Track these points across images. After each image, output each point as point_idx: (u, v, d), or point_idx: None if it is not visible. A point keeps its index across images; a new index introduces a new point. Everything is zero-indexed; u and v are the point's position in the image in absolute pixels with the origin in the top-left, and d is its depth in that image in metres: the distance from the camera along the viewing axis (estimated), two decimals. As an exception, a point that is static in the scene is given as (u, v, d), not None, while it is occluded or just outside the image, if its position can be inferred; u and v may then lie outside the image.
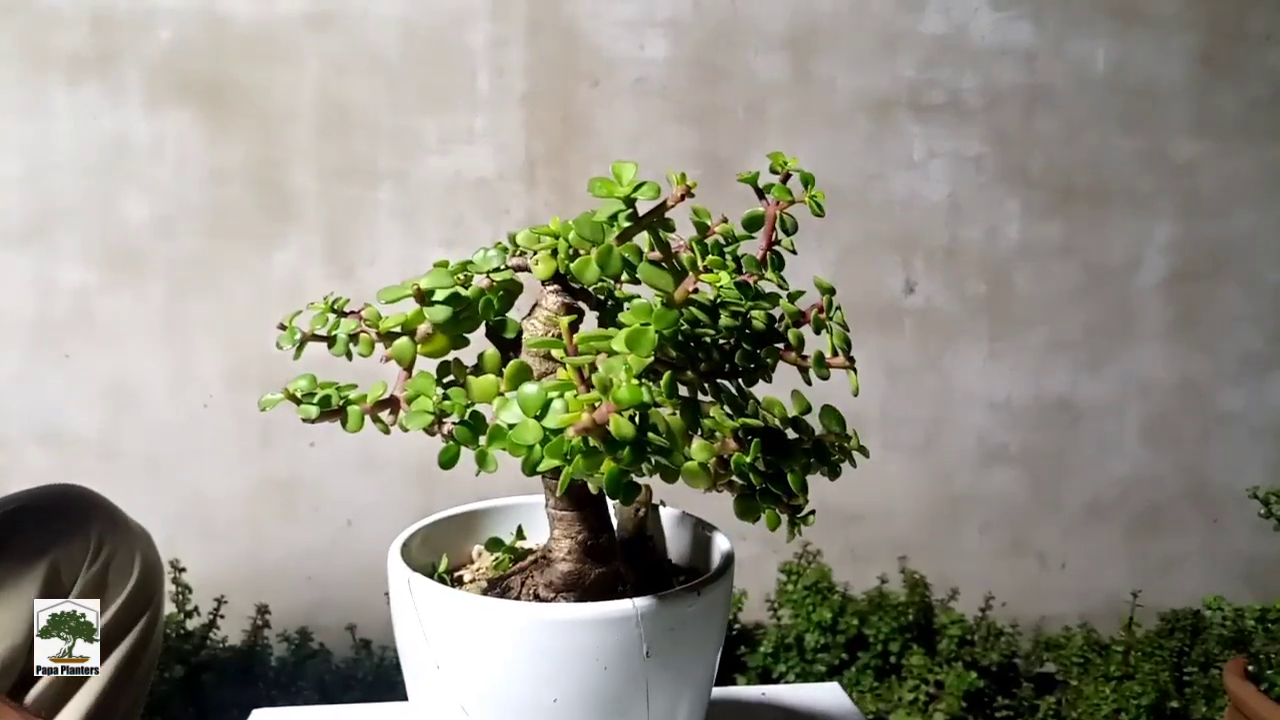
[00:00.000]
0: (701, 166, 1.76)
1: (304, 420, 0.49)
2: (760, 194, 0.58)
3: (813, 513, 0.52)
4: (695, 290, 0.50)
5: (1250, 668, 1.25)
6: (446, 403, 0.52)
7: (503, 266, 0.56)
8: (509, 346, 0.57)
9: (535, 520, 0.69)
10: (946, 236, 1.89)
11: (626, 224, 0.51)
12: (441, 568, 0.64)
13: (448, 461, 0.51)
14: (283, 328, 0.55)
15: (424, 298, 0.53)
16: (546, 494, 0.57)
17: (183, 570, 1.54)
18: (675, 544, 0.69)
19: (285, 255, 1.72)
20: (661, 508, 0.68)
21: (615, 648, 0.53)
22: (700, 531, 0.67)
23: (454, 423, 0.51)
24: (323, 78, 1.69)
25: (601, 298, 0.58)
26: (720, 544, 0.65)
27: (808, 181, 0.58)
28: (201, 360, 1.72)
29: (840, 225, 1.84)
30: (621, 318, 0.48)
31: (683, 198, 0.51)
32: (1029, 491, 1.98)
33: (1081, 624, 1.86)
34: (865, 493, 1.91)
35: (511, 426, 0.44)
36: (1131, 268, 1.95)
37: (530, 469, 0.44)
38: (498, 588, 0.60)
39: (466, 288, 0.54)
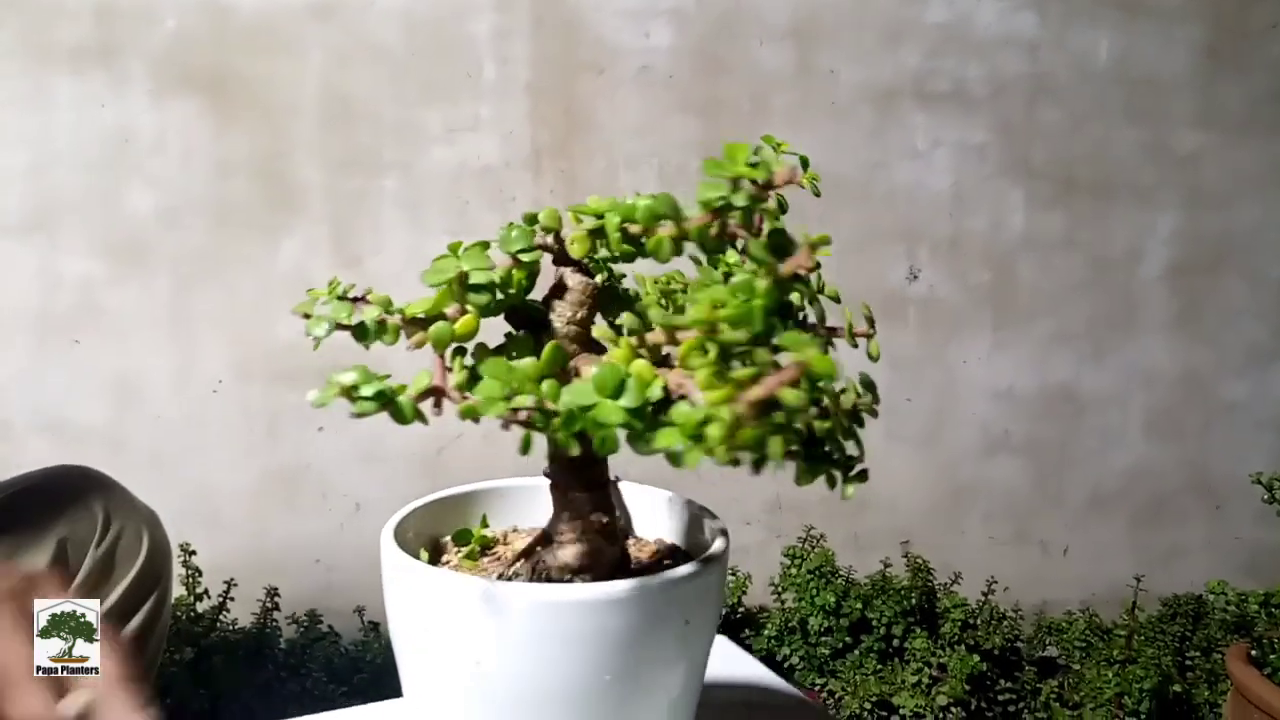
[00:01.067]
0: (705, 156, 1.76)
1: (356, 416, 0.47)
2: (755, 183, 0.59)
3: (866, 470, 0.52)
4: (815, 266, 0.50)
5: (1252, 652, 1.26)
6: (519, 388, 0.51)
7: (530, 246, 0.55)
8: (534, 328, 0.56)
9: (517, 504, 0.70)
10: (950, 226, 1.89)
11: (745, 204, 0.51)
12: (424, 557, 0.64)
13: (527, 448, 0.50)
14: (307, 316, 0.52)
15: (464, 280, 0.52)
16: (554, 474, 0.57)
17: (193, 553, 1.54)
18: (674, 527, 0.69)
19: (290, 247, 1.72)
20: (621, 483, 0.69)
21: (654, 621, 0.53)
22: (693, 512, 0.68)
23: (529, 408, 0.50)
24: (326, 69, 1.70)
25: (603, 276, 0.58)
26: (711, 522, 0.65)
27: (804, 164, 0.58)
28: (207, 352, 1.72)
29: (844, 215, 1.84)
30: (710, 294, 0.49)
31: (790, 180, 0.51)
32: (1032, 482, 1.98)
33: (1084, 608, 1.86)
34: (869, 482, 1.91)
35: (589, 407, 0.43)
36: (1135, 259, 1.95)
37: (645, 452, 0.43)
38: (503, 576, 0.59)
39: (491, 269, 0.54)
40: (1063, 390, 1.97)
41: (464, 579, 0.53)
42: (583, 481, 0.57)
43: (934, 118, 1.86)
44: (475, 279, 0.51)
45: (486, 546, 0.64)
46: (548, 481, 0.65)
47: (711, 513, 0.66)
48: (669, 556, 0.66)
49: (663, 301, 0.59)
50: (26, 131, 1.64)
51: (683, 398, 0.45)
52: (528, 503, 0.70)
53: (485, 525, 0.67)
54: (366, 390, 0.45)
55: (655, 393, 0.44)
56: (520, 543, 0.65)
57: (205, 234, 1.70)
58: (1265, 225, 1.97)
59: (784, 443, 0.42)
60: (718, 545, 0.59)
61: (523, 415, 0.46)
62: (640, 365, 0.45)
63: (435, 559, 0.64)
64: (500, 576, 0.59)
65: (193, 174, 1.69)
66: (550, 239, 0.55)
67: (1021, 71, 1.87)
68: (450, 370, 0.48)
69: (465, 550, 0.64)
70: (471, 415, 0.44)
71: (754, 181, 0.50)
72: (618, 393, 0.43)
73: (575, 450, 0.47)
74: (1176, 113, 1.92)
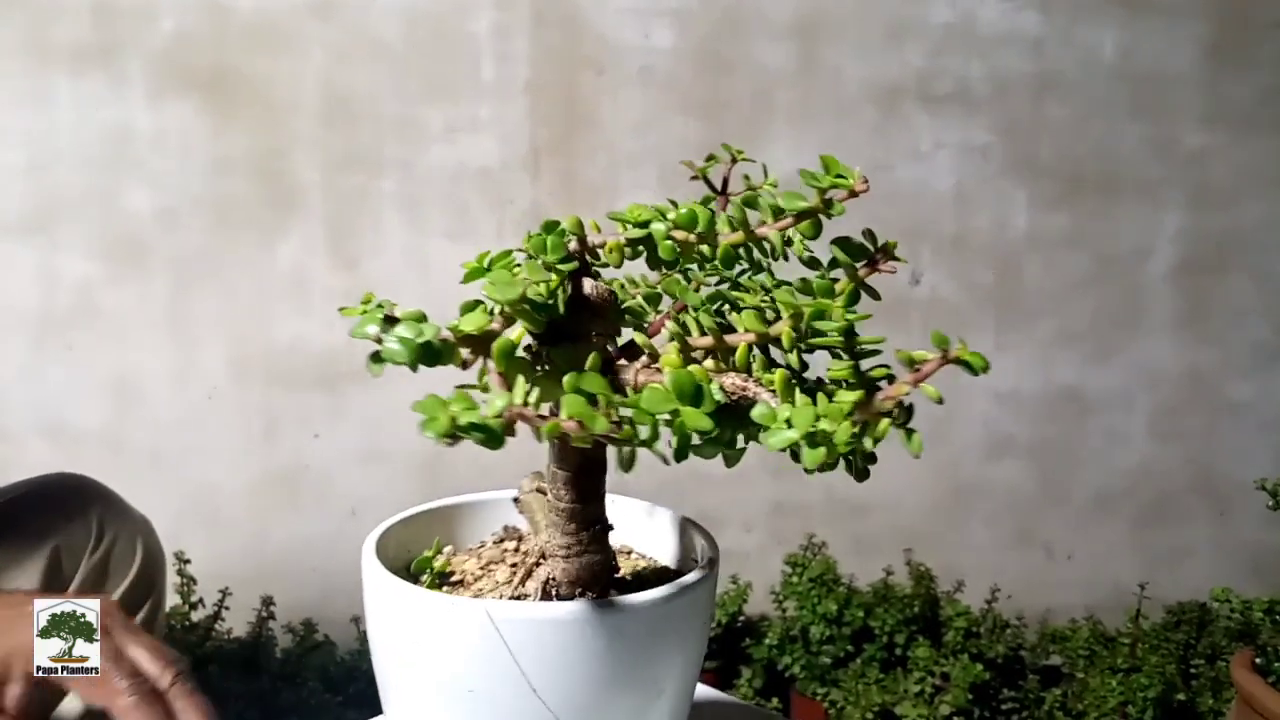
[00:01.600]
0: (706, 156, 1.75)
1: (449, 444, 0.44)
2: (714, 189, 0.59)
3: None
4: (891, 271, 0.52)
5: (1258, 660, 1.24)
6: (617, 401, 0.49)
7: (567, 256, 0.53)
8: (560, 339, 0.54)
9: (497, 518, 0.69)
10: (954, 227, 1.88)
11: (838, 212, 0.53)
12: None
13: (630, 464, 0.49)
14: (379, 342, 0.47)
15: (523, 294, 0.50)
16: (555, 487, 0.56)
17: (187, 562, 1.54)
18: (660, 541, 0.68)
19: (289, 246, 1.71)
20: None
21: (689, 621, 0.56)
22: (682, 526, 0.67)
23: (620, 420, 0.48)
24: (326, 67, 1.69)
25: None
26: (701, 539, 0.65)
27: (764, 171, 0.59)
28: (205, 352, 1.72)
29: (846, 215, 1.82)
30: (781, 299, 0.50)
31: (865, 189, 0.52)
32: (1036, 483, 1.97)
33: (1088, 616, 1.85)
34: (871, 484, 1.87)
35: (673, 415, 0.43)
36: (1140, 258, 1.93)
37: (709, 455, 0.45)
38: (516, 597, 0.58)
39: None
40: (1067, 391, 1.95)
41: (506, 606, 0.52)
42: (590, 492, 0.56)
43: (937, 117, 1.84)
44: (532, 294, 0.49)
45: (442, 574, 0.63)
46: (521, 494, 0.64)
47: (677, 514, 0.66)
48: (632, 558, 0.66)
49: (643, 306, 0.57)
50: (26, 130, 1.63)
51: (744, 398, 0.46)
52: (506, 515, 0.69)
53: (439, 551, 0.65)
54: (471, 419, 0.42)
55: (718, 395, 0.45)
56: (470, 564, 0.63)
57: (204, 234, 1.69)
58: (1272, 223, 1.95)
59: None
60: (705, 553, 0.60)
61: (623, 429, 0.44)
62: (698, 370, 0.45)
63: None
64: (514, 598, 0.57)
65: (191, 173, 1.68)
66: (574, 246, 0.54)
67: (1025, 70, 1.85)
68: (511, 387, 0.44)
69: (426, 582, 0.62)
70: (555, 433, 0.41)
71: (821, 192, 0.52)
72: (696, 398, 0.43)
73: (668, 461, 0.46)
74: (1182, 110, 1.90)
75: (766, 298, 0.57)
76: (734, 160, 0.59)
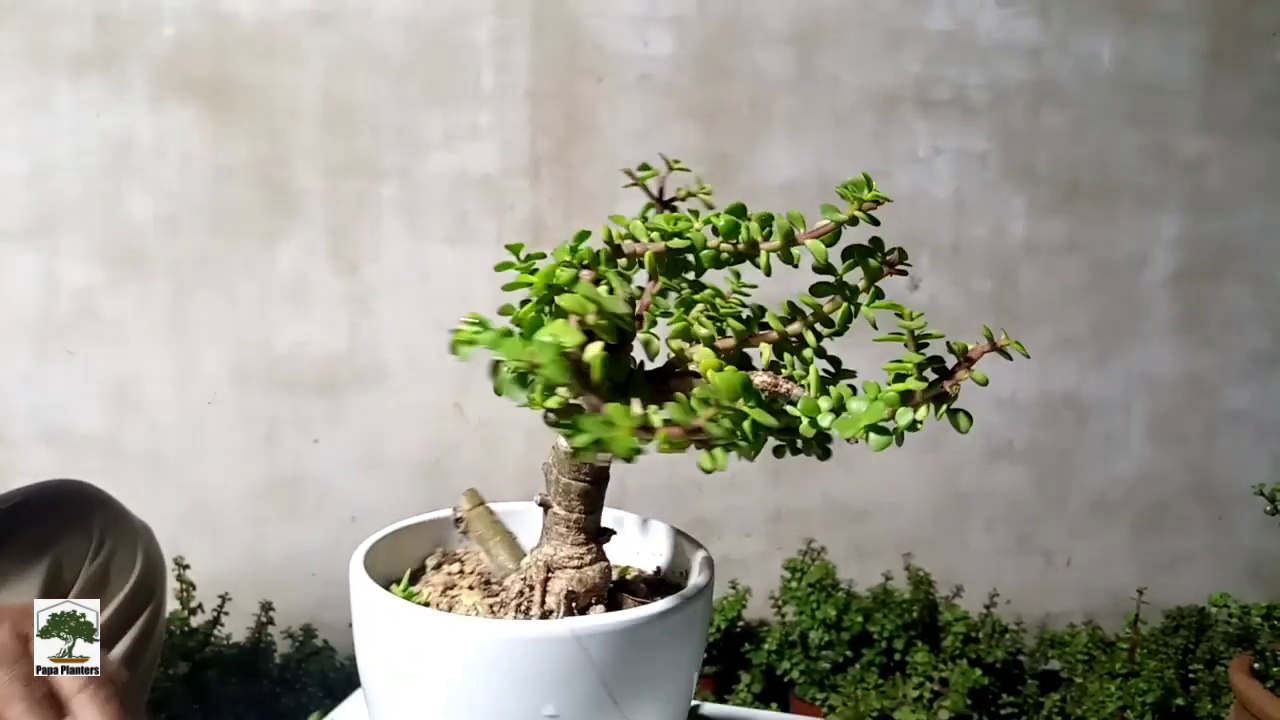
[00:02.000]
0: (706, 163, 1.75)
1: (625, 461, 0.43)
2: (653, 197, 0.61)
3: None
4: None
5: (1256, 665, 1.24)
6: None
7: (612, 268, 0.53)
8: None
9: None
10: (952, 233, 1.88)
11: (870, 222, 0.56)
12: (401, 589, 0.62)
13: (714, 466, 0.49)
14: (535, 367, 0.44)
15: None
16: (567, 499, 0.56)
17: (187, 567, 1.54)
18: (656, 552, 0.68)
19: (289, 253, 1.72)
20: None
21: (703, 622, 0.57)
22: (678, 539, 0.67)
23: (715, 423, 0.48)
24: (327, 75, 1.69)
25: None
26: (698, 553, 0.65)
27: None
28: (206, 358, 1.72)
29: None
30: (807, 301, 0.52)
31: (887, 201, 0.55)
32: (1035, 489, 1.97)
33: (1086, 621, 1.85)
34: (870, 489, 1.91)
35: (742, 414, 0.45)
36: (1138, 264, 1.94)
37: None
38: (545, 614, 0.57)
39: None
40: (1065, 397, 1.96)
41: (588, 620, 0.52)
42: (598, 502, 0.57)
43: (936, 124, 1.85)
44: (611, 306, 0.47)
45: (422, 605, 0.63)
46: (524, 505, 0.64)
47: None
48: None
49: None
50: (27, 136, 1.64)
51: (775, 395, 0.49)
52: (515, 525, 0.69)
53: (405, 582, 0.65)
54: (633, 440, 0.41)
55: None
56: (429, 593, 0.62)
57: (204, 240, 1.70)
58: (1269, 230, 1.96)
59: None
60: (696, 554, 0.60)
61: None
62: (732, 371, 0.46)
63: None
64: (542, 615, 0.57)
65: (192, 180, 1.68)
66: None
67: (1024, 77, 1.86)
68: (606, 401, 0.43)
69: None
70: (666, 443, 0.40)
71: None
72: (758, 398, 0.45)
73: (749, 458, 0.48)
74: (1180, 117, 1.91)
75: (740, 298, 0.58)
76: (670, 169, 0.61)
